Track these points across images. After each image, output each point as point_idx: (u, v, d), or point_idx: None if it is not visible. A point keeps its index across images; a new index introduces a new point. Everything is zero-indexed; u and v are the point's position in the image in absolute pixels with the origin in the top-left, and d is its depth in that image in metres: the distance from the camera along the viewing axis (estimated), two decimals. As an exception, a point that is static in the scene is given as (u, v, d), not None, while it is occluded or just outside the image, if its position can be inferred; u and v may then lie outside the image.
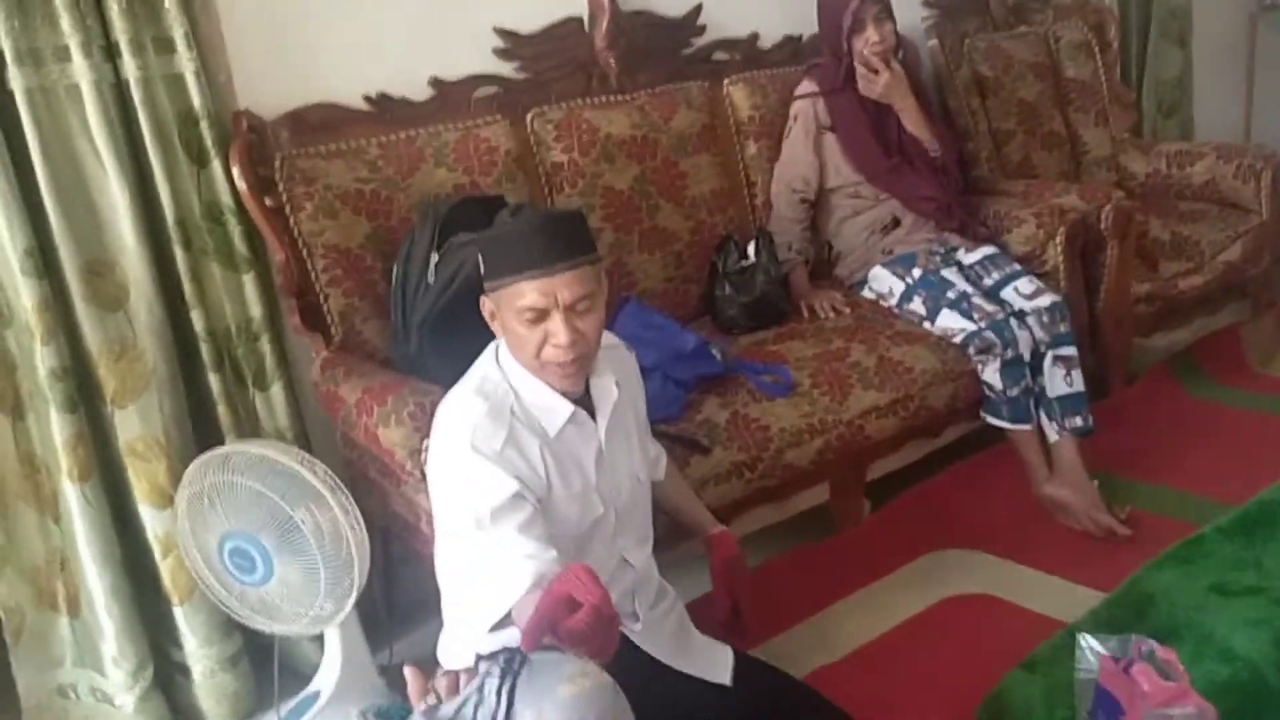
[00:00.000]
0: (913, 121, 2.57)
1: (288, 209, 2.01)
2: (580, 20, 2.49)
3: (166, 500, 1.87)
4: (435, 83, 2.29)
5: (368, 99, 2.20)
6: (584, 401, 1.46)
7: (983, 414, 2.36)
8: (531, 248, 1.34)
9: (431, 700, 1.10)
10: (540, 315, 1.35)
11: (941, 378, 2.29)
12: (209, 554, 1.79)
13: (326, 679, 1.86)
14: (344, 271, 2.05)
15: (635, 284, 2.44)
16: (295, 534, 1.71)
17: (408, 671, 1.14)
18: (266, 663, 1.91)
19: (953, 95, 3.06)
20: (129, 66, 1.81)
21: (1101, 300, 2.64)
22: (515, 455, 1.37)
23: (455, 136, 2.23)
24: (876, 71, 2.53)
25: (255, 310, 1.99)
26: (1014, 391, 2.29)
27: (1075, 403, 2.32)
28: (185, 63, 1.86)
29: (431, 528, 1.49)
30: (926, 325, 2.38)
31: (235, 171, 1.94)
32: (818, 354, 2.26)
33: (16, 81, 1.71)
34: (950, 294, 2.36)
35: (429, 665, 1.30)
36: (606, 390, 1.49)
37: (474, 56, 2.35)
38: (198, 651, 1.96)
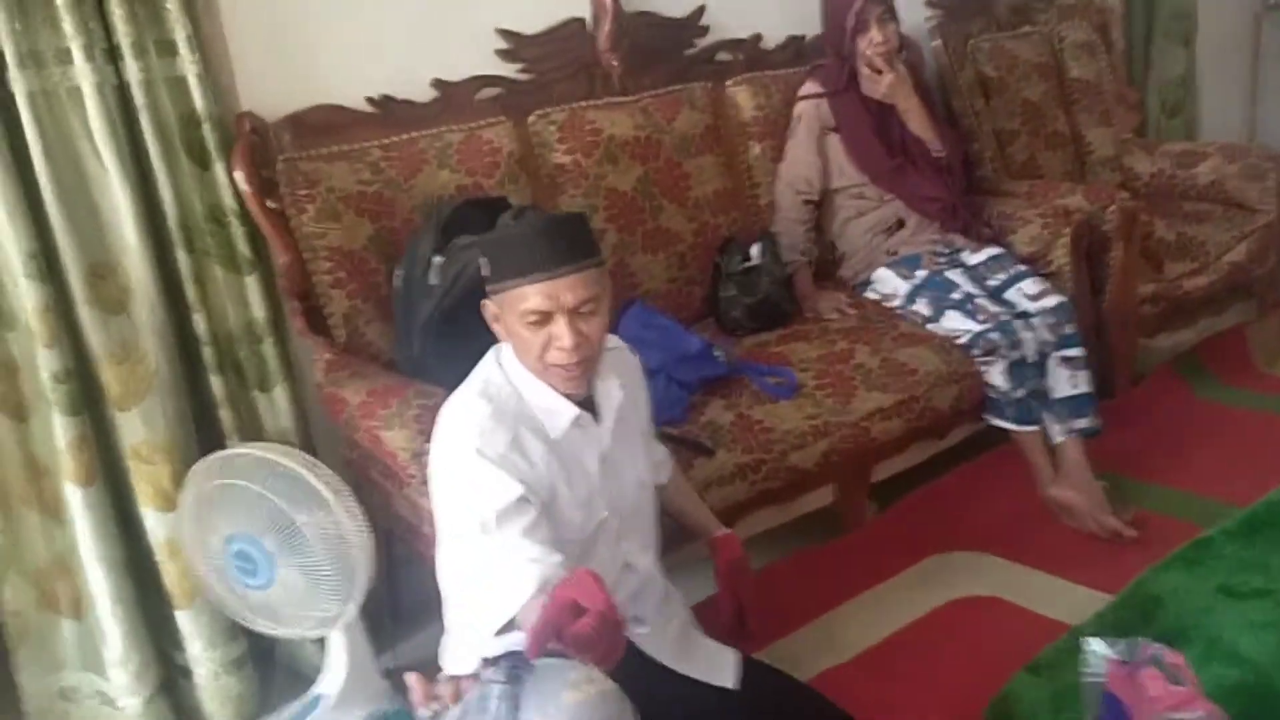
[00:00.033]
0: (917, 122, 2.56)
1: (290, 211, 2.00)
2: (583, 21, 2.49)
3: (170, 503, 1.86)
4: (438, 84, 2.28)
5: (370, 100, 2.20)
6: (588, 404, 1.45)
7: (985, 417, 2.35)
8: (535, 251, 1.33)
9: (435, 707, 1.09)
10: (544, 318, 1.35)
11: (946, 379, 2.28)
12: (212, 557, 1.79)
13: (330, 682, 1.86)
14: (347, 274, 2.04)
15: (638, 285, 2.43)
16: (297, 537, 1.70)
17: (410, 678, 1.13)
18: (271, 666, 1.91)
19: (956, 96, 3.05)
20: (131, 69, 1.80)
21: (1106, 301, 2.63)
22: (519, 458, 1.37)
23: (458, 138, 2.23)
24: (880, 72, 2.52)
25: (258, 313, 1.98)
26: (1019, 393, 2.29)
27: (1081, 404, 2.31)
28: (188, 65, 1.86)
29: (434, 530, 1.48)
30: (931, 327, 2.37)
31: (238, 174, 1.93)
32: (822, 355, 2.25)
33: (18, 84, 1.70)
34: (955, 295, 2.36)
35: (432, 669, 1.30)
36: (610, 393, 1.49)
37: (476, 58, 2.35)
38: (202, 654, 1.95)
